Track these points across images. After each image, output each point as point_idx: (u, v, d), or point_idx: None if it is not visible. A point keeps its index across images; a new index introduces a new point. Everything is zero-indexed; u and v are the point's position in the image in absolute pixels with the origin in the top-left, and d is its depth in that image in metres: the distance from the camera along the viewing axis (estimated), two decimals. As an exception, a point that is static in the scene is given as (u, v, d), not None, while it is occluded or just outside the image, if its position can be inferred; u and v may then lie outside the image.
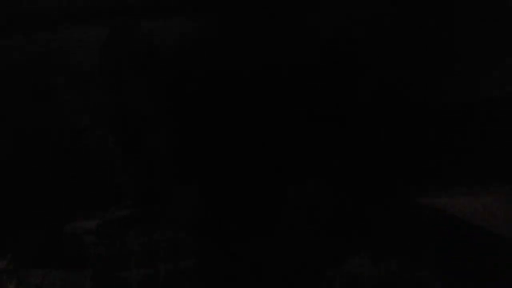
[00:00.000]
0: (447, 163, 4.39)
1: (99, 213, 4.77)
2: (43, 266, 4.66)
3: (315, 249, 4.18)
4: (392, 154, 4.36)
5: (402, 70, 4.44)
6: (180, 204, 4.50)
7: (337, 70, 4.45)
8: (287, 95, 4.44)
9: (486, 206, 4.45)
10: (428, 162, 4.40)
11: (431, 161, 4.40)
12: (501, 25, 4.29)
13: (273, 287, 4.29)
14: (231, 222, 4.45)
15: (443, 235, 4.41)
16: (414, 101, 4.42)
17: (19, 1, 4.37)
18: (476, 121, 4.45)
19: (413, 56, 4.49)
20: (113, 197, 4.64)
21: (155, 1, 4.33)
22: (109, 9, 4.48)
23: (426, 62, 4.43)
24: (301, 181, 4.40)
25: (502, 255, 4.36)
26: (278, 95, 4.44)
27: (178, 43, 4.48)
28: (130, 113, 4.34)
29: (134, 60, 4.42)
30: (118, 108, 4.32)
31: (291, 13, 4.42)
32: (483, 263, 4.42)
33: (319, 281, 4.31)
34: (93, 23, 4.47)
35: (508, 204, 4.41)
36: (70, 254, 4.81)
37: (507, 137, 4.39)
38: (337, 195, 4.34)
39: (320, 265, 4.25)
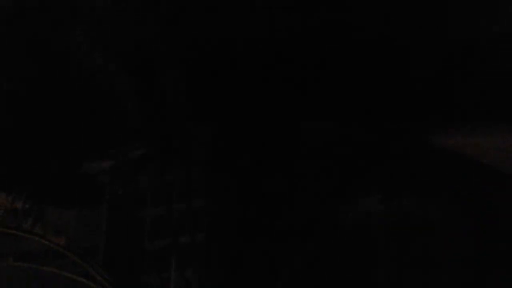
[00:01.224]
0: (461, 101, 4.35)
1: (114, 153, 4.81)
2: (59, 205, 4.74)
3: (329, 185, 4.19)
4: (405, 90, 4.32)
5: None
6: (194, 143, 4.52)
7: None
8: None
9: (500, 147, 4.43)
10: (442, 100, 4.37)
11: (444, 99, 4.36)
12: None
13: (287, 223, 4.32)
14: (244, 159, 4.47)
15: (457, 174, 4.41)
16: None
17: None
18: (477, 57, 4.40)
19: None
20: (127, 137, 4.67)
21: None
22: None
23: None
24: (314, 118, 4.39)
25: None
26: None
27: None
28: (145, 49, 4.32)
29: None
30: (134, 44, 4.30)
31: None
32: (495, 203, 4.43)
33: (333, 216, 4.34)
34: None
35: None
36: (85, 194, 4.88)
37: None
38: (352, 133, 4.32)
39: (333, 201, 4.27)
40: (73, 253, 4.33)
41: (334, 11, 4.20)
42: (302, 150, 4.38)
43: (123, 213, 5.01)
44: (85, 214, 4.92)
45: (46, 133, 4.61)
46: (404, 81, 4.31)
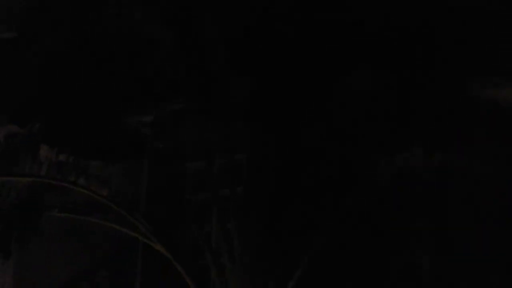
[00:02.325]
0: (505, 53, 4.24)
1: (154, 108, 4.83)
2: (102, 158, 4.81)
3: (369, 139, 4.15)
4: (448, 43, 4.22)
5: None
6: (233, 96, 4.52)
7: None
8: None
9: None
10: (485, 53, 4.26)
11: (488, 51, 4.26)
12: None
13: (326, 176, 4.31)
14: (284, 113, 4.45)
15: (502, 128, 4.32)
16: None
17: None
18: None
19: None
20: (168, 92, 4.68)
21: None
22: None
23: None
24: (355, 69, 4.32)
25: None
26: None
27: None
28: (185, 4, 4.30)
29: None
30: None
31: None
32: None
33: (372, 170, 4.31)
34: None
35: None
36: (127, 147, 4.93)
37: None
38: (393, 86, 4.26)
39: (374, 156, 4.23)
40: (116, 204, 4.40)
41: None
42: (342, 104, 4.34)
43: (164, 167, 5.08)
44: (127, 168, 5.00)
45: (89, 89, 4.64)
46: (452, 37, 4.22)
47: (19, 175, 4.44)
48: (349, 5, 4.25)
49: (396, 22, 4.19)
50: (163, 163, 5.09)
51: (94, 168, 4.70)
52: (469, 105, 4.28)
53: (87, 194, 4.54)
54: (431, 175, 4.56)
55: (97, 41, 4.56)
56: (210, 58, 4.37)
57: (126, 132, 4.84)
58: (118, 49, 4.58)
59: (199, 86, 4.47)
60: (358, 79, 4.28)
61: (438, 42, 4.26)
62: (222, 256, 4.38)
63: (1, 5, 4.67)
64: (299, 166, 4.47)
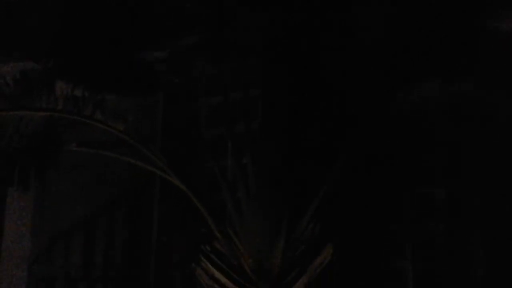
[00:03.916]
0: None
1: (170, 42, 4.81)
2: (117, 93, 4.81)
3: (385, 69, 4.10)
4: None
5: None
6: (250, 30, 4.47)
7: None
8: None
9: None
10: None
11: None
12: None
13: (342, 108, 4.29)
14: (301, 47, 4.40)
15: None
16: None
17: None
18: None
19: None
20: (183, 25, 4.64)
21: None
22: None
23: None
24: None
25: None
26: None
27: None
28: None
29: None
30: None
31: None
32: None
33: (388, 101, 4.28)
34: None
35: None
36: (143, 82, 4.93)
37: None
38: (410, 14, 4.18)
39: (389, 86, 4.19)
40: (132, 138, 4.41)
41: None
42: (358, 34, 4.27)
43: (179, 102, 5.07)
44: (143, 103, 5.01)
45: (103, 22, 4.62)
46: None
47: (36, 109, 4.45)
48: None
49: None
50: (178, 98, 5.09)
51: (109, 103, 4.69)
52: (489, 34, 4.21)
53: (103, 128, 4.55)
54: (448, 105, 4.54)
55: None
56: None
57: (141, 67, 4.84)
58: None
59: (214, 19, 4.43)
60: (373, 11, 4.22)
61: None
62: (238, 190, 4.42)
63: None
64: (315, 99, 4.45)
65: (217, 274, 4.31)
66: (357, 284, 4.95)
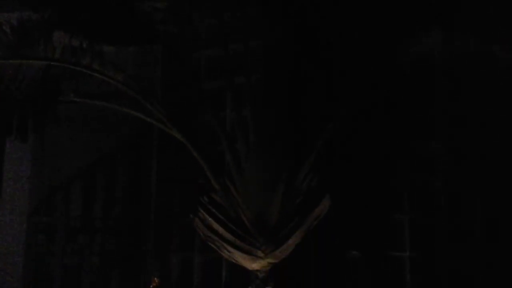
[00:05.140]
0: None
1: (168, -9, 4.73)
2: (116, 43, 4.76)
3: (388, 22, 4.03)
4: None
5: None
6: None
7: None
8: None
9: None
10: None
11: None
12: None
13: (344, 60, 4.23)
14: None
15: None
16: None
17: None
18: None
19: None
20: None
21: None
22: None
23: None
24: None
25: None
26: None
27: None
28: None
29: None
30: None
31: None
32: None
33: (391, 54, 4.22)
34: None
35: None
36: (142, 32, 4.87)
37: None
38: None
39: (392, 40, 4.12)
40: (131, 89, 4.38)
41: None
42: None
43: (179, 52, 5.02)
44: (142, 54, 4.96)
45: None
46: None
47: (33, 58, 4.40)
48: None
49: None
50: (178, 49, 5.03)
51: (108, 54, 4.64)
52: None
53: (102, 79, 4.51)
54: (451, 59, 4.50)
55: None
56: None
57: (139, 17, 4.77)
58: None
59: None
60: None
61: None
62: (237, 142, 4.41)
63: None
64: (317, 52, 4.40)
65: (215, 226, 4.34)
66: (354, 236, 5.00)
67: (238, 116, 4.45)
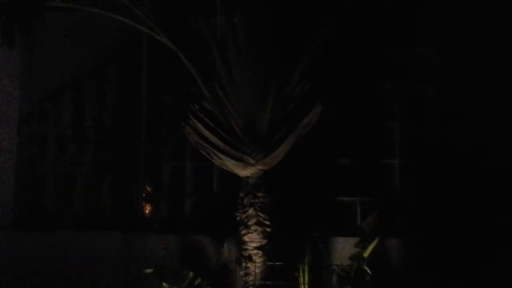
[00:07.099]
0: None
1: None
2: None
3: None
4: None
5: None
6: None
7: None
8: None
9: None
10: None
11: None
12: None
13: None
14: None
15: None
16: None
17: None
18: None
19: None
20: None
21: None
22: None
23: None
24: None
25: None
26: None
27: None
28: None
29: None
30: None
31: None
32: None
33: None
34: None
35: None
36: None
37: None
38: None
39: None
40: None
41: None
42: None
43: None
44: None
45: None
46: None
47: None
48: None
49: None
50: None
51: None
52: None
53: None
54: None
55: None
56: None
57: None
58: None
59: None
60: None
61: None
62: (228, 49, 4.35)
63: None
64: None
65: (206, 133, 4.34)
66: (344, 141, 5.03)
67: (228, 23, 4.38)
